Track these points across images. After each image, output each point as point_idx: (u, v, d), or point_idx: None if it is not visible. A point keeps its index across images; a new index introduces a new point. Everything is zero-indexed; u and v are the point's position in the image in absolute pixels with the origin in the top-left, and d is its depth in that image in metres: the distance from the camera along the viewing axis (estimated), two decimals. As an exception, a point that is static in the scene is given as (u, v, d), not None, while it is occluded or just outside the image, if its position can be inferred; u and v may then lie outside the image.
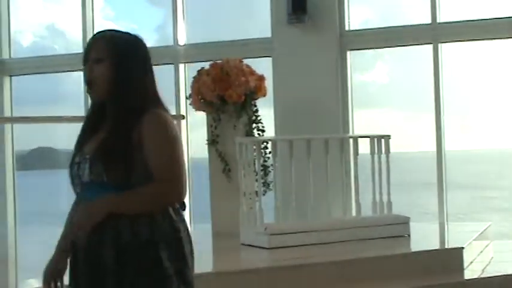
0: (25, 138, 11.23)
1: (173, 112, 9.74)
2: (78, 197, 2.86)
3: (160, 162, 2.71)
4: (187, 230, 2.87)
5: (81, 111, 10.40)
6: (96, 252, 2.70)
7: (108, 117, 2.80)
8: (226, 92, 7.53)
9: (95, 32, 2.92)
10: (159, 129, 2.73)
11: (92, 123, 2.86)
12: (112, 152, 2.70)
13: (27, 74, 11.08)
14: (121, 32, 2.91)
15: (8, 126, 10.55)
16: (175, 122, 8.87)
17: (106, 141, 2.74)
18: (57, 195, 11.59)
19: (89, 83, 2.78)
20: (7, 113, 10.66)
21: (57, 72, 11.19)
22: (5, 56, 10.85)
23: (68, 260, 2.85)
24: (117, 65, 2.77)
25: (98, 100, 2.82)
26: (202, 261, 6.56)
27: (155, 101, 2.82)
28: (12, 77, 10.94)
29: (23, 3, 11.34)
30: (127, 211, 2.68)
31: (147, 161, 2.71)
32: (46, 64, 10.89)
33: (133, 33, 2.90)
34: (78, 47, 10.71)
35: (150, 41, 11.49)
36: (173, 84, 10.10)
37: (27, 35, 12.04)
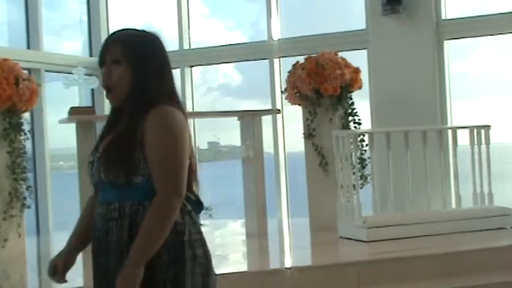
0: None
1: (268, 106, 9.80)
2: (99, 198, 2.76)
3: (157, 159, 2.58)
4: (199, 233, 2.69)
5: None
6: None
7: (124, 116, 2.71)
8: (321, 85, 7.52)
9: (112, 31, 2.78)
10: (160, 123, 2.59)
11: (109, 123, 2.77)
12: (112, 151, 2.63)
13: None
14: (138, 30, 2.76)
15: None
16: (267, 116, 8.83)
17: (111, 140, 2.67)
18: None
19: (108, 88, 2.69)
20: (107, 111, 10.92)
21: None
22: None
23: None
24: (135, 67, 2.65)
25: (117, 105, 2.72)
26: (301, 255, 6.62)
27: (170, 99, 2.68)
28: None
29: (121, 5, 11.59)
30: (157, 246, 2.56)
31: (147, 159, 2.60)
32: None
33: (151, 31, 2.76)
34: (174, 46, 10.90)
35: (245, 37, 11.64)
36: (268, 79, 10.15)
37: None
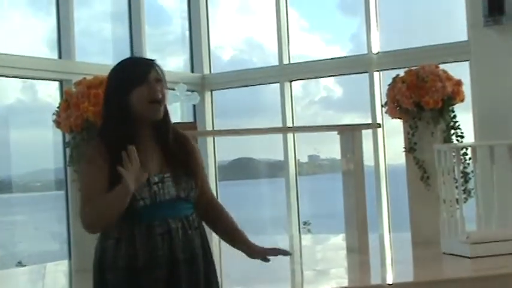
0: (226, 149, 11.64)
1: (369, 120, 9.76)
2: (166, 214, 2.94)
3: (203, 171, 3.13)
4: None
5: (278, 123, 10.66)
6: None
7: (162, 136, 3.02)
8: (422, 98, 7.44)
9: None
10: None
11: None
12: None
13: (227, 88, 11.50)
14: None
15: (210, 139, 11.00)
16: (370, 130, 8.76)
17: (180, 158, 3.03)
18: (259, 204, 11.89)
19: (160, 101, 3.01)
20: (209, 126, 11.11)
21: (255, 85, 11.51)
22: (206, 71, 11.32)
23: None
24: (166, 89, 3.08)
25: (157, 118, 2.99)
26: (403, 270, 6.55)
27: None
28: (213, 91, 11.39)
29: (221, 20, 11.79)
30: None
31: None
32: (245, 77, 11.25)
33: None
34: (274, 60, 10.99)
35: (344, 50, 11.63)
36: (368, 92, 10.12)
37: (226, 50, 12.48)
